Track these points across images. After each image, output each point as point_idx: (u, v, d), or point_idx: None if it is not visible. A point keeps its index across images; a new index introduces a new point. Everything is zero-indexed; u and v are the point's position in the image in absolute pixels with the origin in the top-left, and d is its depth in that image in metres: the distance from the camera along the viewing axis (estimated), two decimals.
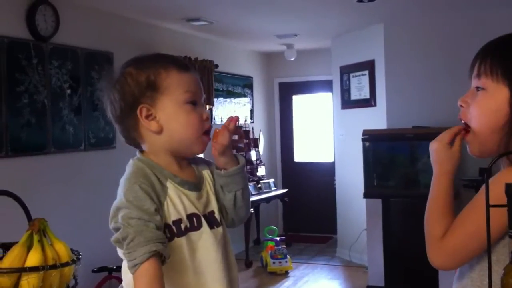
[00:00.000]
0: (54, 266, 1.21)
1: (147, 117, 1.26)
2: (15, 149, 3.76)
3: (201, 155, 1.39)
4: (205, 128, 1.29)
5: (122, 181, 1.25)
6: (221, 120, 6.11)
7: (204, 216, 1.29)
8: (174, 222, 1.24)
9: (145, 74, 1.26)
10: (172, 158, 1.30)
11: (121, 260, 1.26)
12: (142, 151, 1.32)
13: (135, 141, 1.32)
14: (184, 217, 1.25)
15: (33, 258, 1.21)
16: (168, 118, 1.26)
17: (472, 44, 5.95)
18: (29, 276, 1.19)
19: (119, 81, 1.28)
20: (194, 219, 1.27)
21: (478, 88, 1.25)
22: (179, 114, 1.26)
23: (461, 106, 1.31)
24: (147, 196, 1.21)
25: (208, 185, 1.33)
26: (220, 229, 1.30)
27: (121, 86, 1.27)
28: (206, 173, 1.35)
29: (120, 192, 1.23)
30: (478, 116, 1.25)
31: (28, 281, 1.19)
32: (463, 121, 1.33)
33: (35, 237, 1.23)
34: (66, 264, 1.24)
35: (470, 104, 1.28)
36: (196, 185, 1.31)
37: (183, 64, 1.31)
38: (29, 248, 1.23)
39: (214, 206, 1.32)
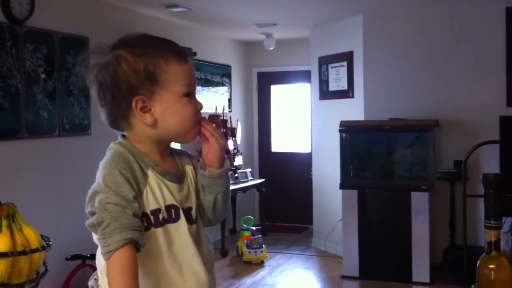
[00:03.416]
0: (23, 252, 1.18)
1: (141, 109, 1.21)
2: None
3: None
4: (199, 119, 1.27)
5: (102, 164, 1.21)
6: None
7: (182, 209, 1.27)
8: (152, 211, 1.22)
9: (143, 63, 1.19)
10: (155, 148, 1.27)
11: (95, 248, 1.23)
12: (124, 135, 1.28)
13: (119, 127, 1.27)
14: (163, 208, 1.23)
15: (1, 244, 1.17)
16: (164, 111, 1.22)
17: (450, 37, 6.03)
18: None
19: (111, 64, 1.20)
20: (173, 210, 1.24)
21: None
22: (176, 108, 1.22)
23: None
24: (126, 182, 1.18)
25: (190, 181, 1.31)
26: (193, 226, 1.28)
27: (114, 71, 1.19)
28: (189, 169, 1.32)
29: (99, 175, 1.19)
30: None
31: None
32: None
33: (4, 222, 1.20)
34: (36, 250, 1.20)
35: None
36: (178, 178, 1.29)
37: (182, 53, 1.26)
38: None
39: (193, 203, 1.30)
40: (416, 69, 5.40)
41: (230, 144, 6.59)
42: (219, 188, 1.31)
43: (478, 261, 1.14)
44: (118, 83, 1.19)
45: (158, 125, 1.22)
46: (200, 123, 1.27)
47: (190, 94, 1.25)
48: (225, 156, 1.33)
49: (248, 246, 5.72)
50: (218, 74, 6.87)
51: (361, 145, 5.41)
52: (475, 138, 4.98)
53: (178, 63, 1.23)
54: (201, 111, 1.29)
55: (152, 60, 1.20)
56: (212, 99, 6.65)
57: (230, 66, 7.21)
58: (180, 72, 1.23)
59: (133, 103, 1.20)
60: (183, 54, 1.26)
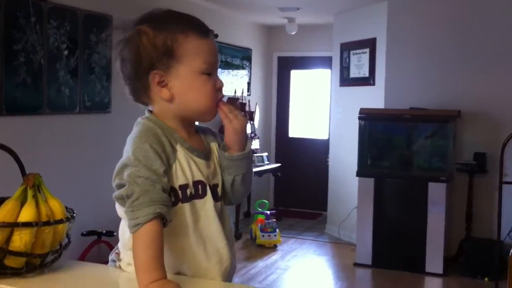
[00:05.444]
0: (48, 223, 1.18)
1: (159, 83, 1.21)
2: (9, 108, 3.70)
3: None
4: (219, 98, 1.25)
5: (131, 138, 1.21)
6: None
7: (209, 186, 1.27)
8: (180, 186, 1.22)
9: (163, 37, 1.19)
10: (180, 124, 1.26)
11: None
12: (151, 111, 1.28)
13: (143, 102, 1.28)
14: (191, 183, 1.23)
15: (27, 214, 1.18)
16: (181, 87, 1.21)
17: (475, 26, 5.90)
18: (21, 232, 1.16)
19: (133, 39, 1.21)
20: (200, 186, 1.25)
21: None
22: (194, 85, 1.21)
23: None
24: (157, 156, 1.18)
25: (215, 158, 1.31)
26: (219, 204, 1.29)
27: (136, 46, 1.20)
28: (214, 146, 1.32)
29: (128, 149, 1.19)
30: None
31: (20, 237, 1.16)
32: None
33: (29, 192, 1.20)
34: (60, 221, 1.21)
35: None
36: (205, 155, 1.28)
37: (203, 28, 1.23)
38: (22, 203, 1.20)
39: (219, 180, 1.30)
40: (440, 58, 5.33)
41: (248, 128, 6.59)
42: (237, 170, 1.29)
43: (511, 252, 1.13)
44: (139, 58, 1.20)
45: (175, 100, 1.22)
46: (222, 101, 1.26)
47: (210, 72, 1.23)
48: (248, 137, 1.30)
49: (262, 230, 5.74)
50: (238, 57, 6.85)
51: (380, 134, 5.37)
52: (498, 131, 4.92)
53: (198, 39, 1.21)
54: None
55: (171, 35, 1.20)
56: (232, 82, 6.64)
57: (251, 50, 7.19)
58: (199, 48, 1.21)
59: (150, 77, 1.21)
60: (204, 30, 1.23)
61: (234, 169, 1.29)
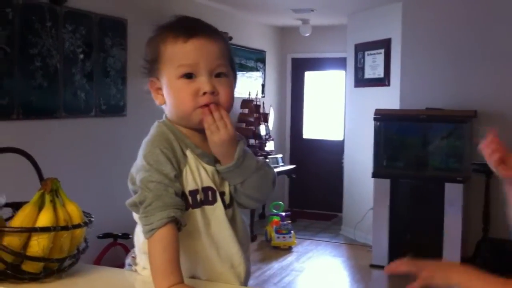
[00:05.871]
0: (65, 228, 1.19)
1: (156, 90, 1.25)
2: (25, 112, 3.74)
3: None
4: (201, 103, 1.19)
5: (144, 142, 1.23)
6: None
7: (219, 192, 1.26)
8: (190, 192, 1.22)
9: (152, 46, 1.24)
10: (191, 129, 1.25)
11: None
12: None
13: None
14: (200, 189, 1.23)
15: (44, 218, 1.18)
16: (166, 92, 1.23)
17: (491, 25, 5.84)
18: (39, 237, 1.17)
19: (145, 48, 1.28)
20: (210, 192, 1.24)
21: None
22: (172, 90, 1.21)
23: None
24: (168, 160, 1.18)
25: None
26: (229, 210, 1.27)
27: (144, 55, 1.27)
28: None
29: (141, 153, 1.20)
30: None
31: (38, 242, 1.17)
32: None
33: (47, 197, 1.21)
34: (78, 226, 1.22)
35: None
36: (217, 161, 1.26)
37: (183, 32, 1.20)
38: (40, 208, 1.21)
39: (225, 188, 1.27)
40: (455, 58, 5.28)
41: (262, 129, 6.59)
42: (232, 181, 1.26)
43: None
44: (146, 65, 1.26)
45: (166, 105, 1.24)
46: (208, 108, 1.19)
47: (191, 76, 1.20)
48: (240, 146, 1.22)
49: (277, 232, 5.73)
50: (252, 59, 6.85)
51: (395, 134, 5.34)
52: None
53: (174, 43, 1.20)
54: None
55: (157, 42, 1.23)
56: (246, 84, 6.64)
57: (265, 52, 7.18)
58: (175, 53, 1.20)
59: (148, 84, 1.25)
60: (184, 33, 1.20)
61: (229, 179, 1.26)
